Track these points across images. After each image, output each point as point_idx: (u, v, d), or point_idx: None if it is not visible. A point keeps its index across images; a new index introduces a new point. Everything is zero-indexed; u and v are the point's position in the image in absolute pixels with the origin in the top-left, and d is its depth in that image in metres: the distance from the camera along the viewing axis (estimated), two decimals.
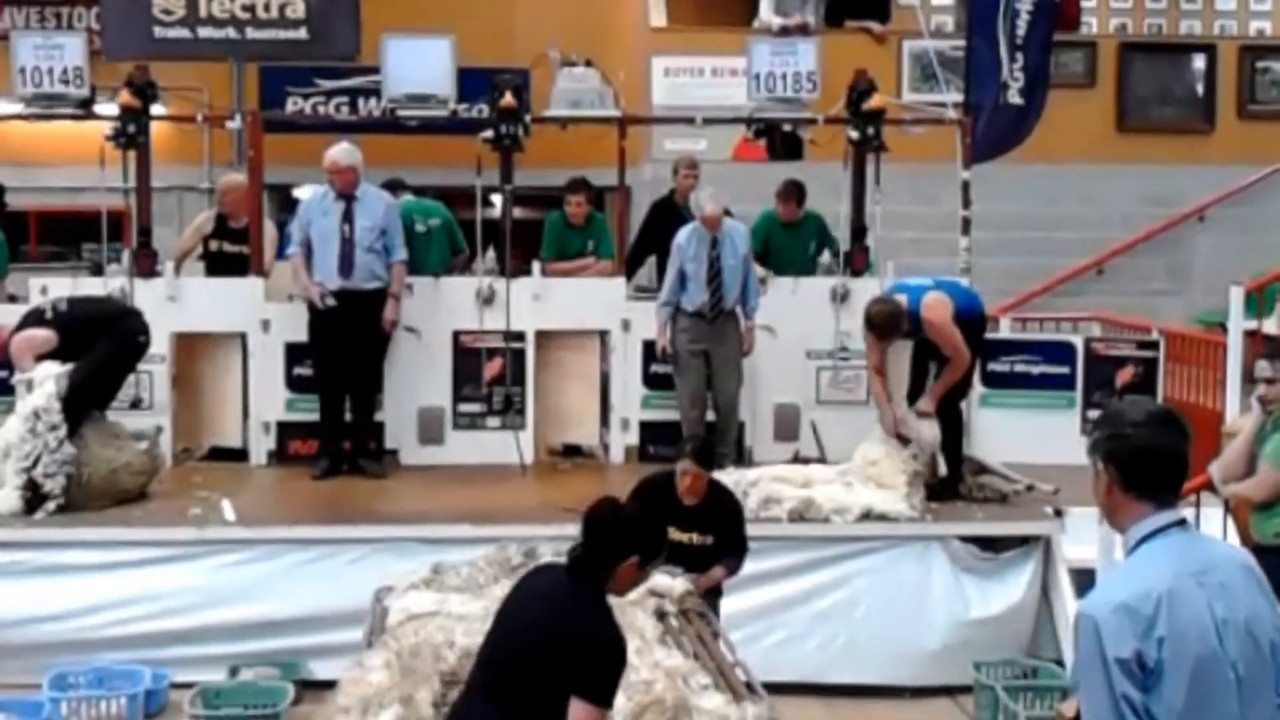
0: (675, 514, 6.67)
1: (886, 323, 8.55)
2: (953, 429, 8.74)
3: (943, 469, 8.54)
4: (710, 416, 9.39)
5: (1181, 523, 3.32)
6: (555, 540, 6.84)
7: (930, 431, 8.51)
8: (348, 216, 9.11)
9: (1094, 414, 9.62)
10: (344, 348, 9.13)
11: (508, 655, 4.42)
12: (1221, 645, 3.20)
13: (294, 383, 9.50)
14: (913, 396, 8.86)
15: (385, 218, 9.23)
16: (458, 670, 5.53)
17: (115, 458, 8.27)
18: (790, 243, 10.42)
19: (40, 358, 8.26)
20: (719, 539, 6.86)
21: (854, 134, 9.68)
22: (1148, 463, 3.28)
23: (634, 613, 5.69)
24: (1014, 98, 11.02)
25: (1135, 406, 3.47)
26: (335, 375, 9.21)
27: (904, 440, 8.47)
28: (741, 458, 9.36)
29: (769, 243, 10.23)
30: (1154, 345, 9.94)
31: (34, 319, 8.50)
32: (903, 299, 8.62)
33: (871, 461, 8.43)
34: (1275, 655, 3.29)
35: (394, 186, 10.57)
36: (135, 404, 9.20)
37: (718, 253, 9.18)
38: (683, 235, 9.27)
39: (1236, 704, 3.20)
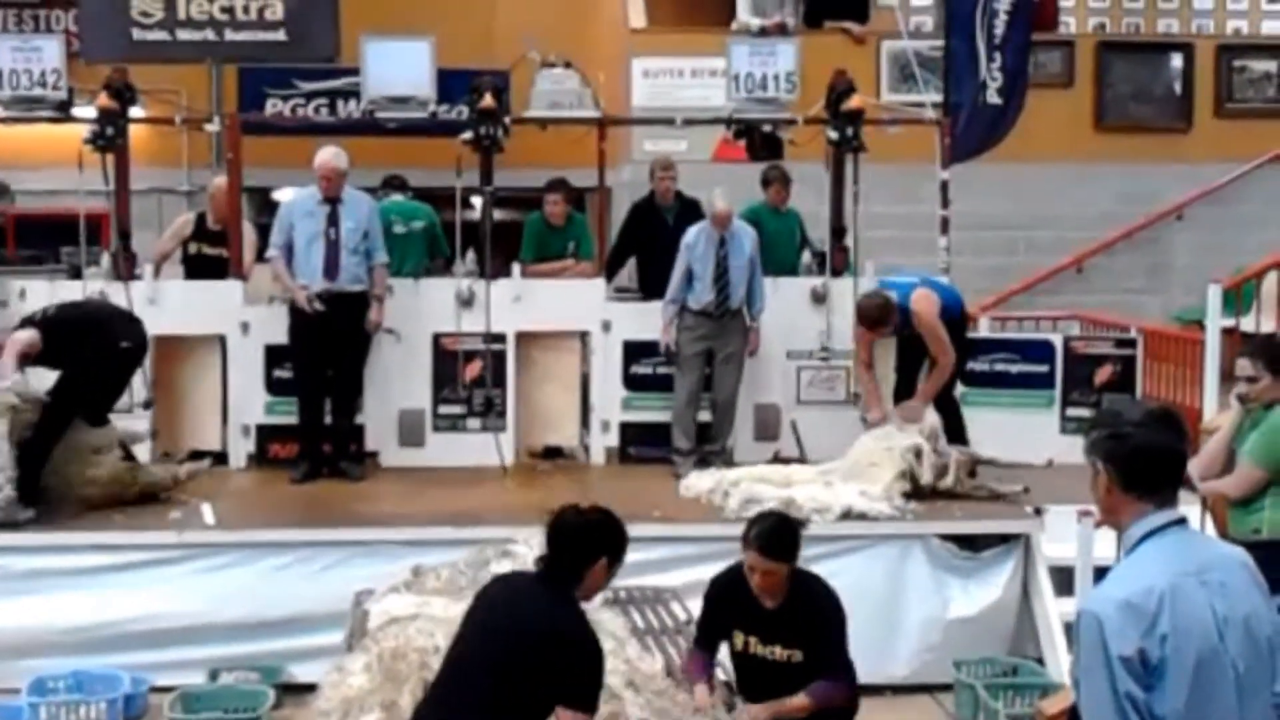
0: (752, 619, 5.41)
1: (875, 314, 8.74)
2: (954, 418, 8.95)
3: (952, 478, 8.54)
4: (704, 416, 9.44)
5: (1181, 521, 3.35)
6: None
7: (930, 419, 8.62)
8: (333, 219, 9.10)
9: (1073, 412, 9.71)
10: (327, 350, 9.13)
11: (483, 661, 4.41)
12: (1222, 643, 3.22)
13: (273, 386, 9.47)
14: (900, 395, 8.95)
15: (369, 220, 9.24)
16: None
17: (79, 473, 8.14)
18: (781, 231, 10.44)
19: (27, 361, 8.17)
20: (811, 653, 5.37)
21: (833, 134, 9.69)
22: (1147, 462, 3.31)
23: (603, 613, 5.69)
24: (992, 97, 11.05)
25: (1133, 406, 3.50)
26: (316, 378, 9.20)
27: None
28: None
29: (763, 232, 10.24)
30: (1132, 344, 9.97)
31: (24, 323, 8.42)
32: (891, 294, 8.83)
33: (885, 441, 8.51)
34: (1273, 653, 3.32)
35: (392, 185, 10.59)
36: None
37: (725, 252, 9.22)
38: (691, 234, 9.31)
39: (1236, 701, 3.23)
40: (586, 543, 4.58)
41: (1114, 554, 6.52)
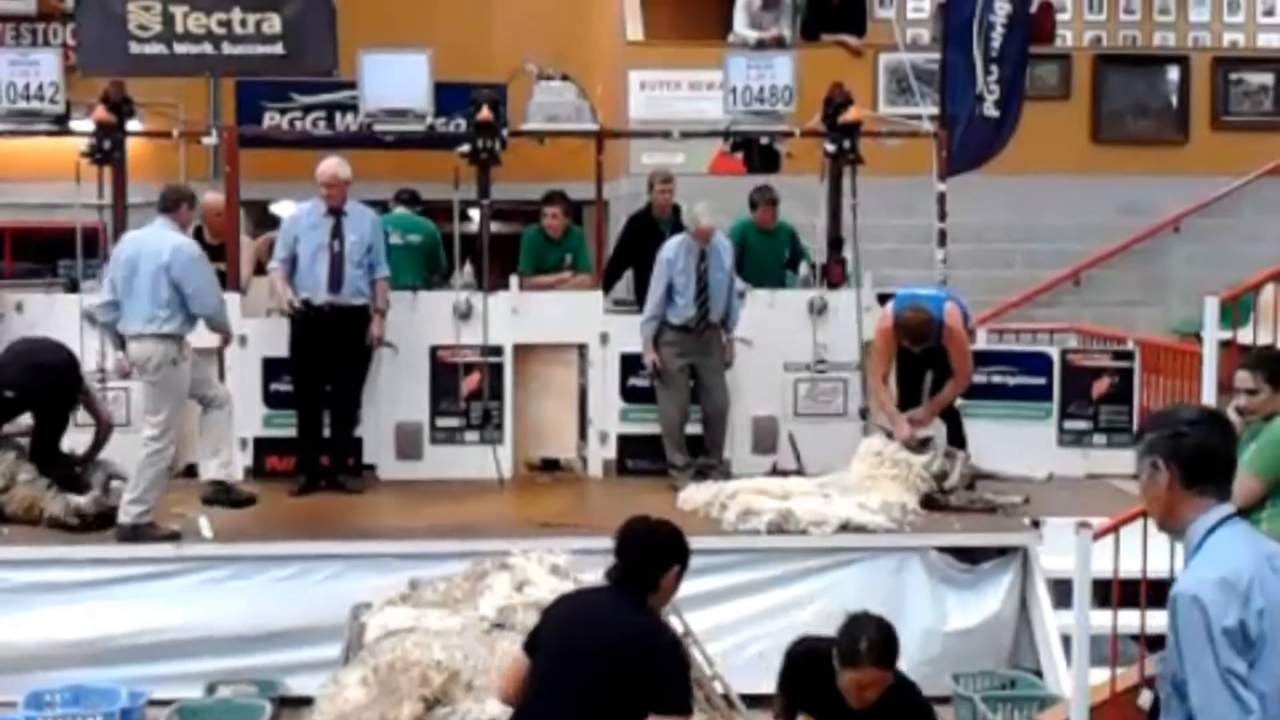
0: (834, 714, 5.19)
1: (922, 329, 8.64)
2: (955, 424, 9.07)
3: (956, 476, 8.56)
4: (693, 430, 9.42)
5: (1241, 514, 3.48)
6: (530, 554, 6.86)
7: (938, 433, 8.72)
8: (337, 232, 9.11)
9: (1070, 424, 9.73)
10: (327, 363, 9.13)
11: (580, 680, 4.46)
12: None
13: (271, 399, 9.47)
14: (902, 406, 8.94)
15: (372, 234, 9.25)
16: (440, 692, 5.53)
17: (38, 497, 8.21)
18: (766, 249, 10.49)
19: None
20: None
21: (830, 147, 9.71)
22: (1207, 459, 3.43)
23: None
24: (989, 110, 11.06)
25: (1186, 408, 3.66)
26: (315, 391, 9.20)
27: (922, 444, 8.61)
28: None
29: (746, 248, 10.26)
30: (1130, 356, 9.98)
31: None
32: (930, 307, 8.74)
33: (875, 453, 8.53)
34: None
35: (401, 199, 10.60)
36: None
37: (705, 265, 9.23)
38: (670, 249, 9.29)
39: None
40: (661, 552, 4.69)
41: (1111, 567, 6.56)
